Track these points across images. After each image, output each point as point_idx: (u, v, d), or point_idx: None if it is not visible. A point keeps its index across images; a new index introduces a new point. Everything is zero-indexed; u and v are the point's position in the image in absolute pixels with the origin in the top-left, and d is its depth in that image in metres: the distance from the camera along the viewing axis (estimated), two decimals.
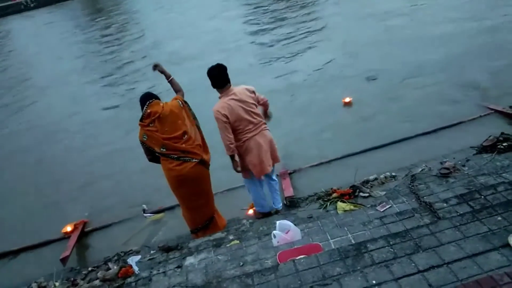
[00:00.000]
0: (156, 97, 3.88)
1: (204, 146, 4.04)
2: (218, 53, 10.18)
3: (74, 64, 12.91)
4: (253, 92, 3.90)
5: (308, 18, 12.02)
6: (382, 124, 5.79)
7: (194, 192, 3.95)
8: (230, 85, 3.80)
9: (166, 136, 3.75)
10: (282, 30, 11.36)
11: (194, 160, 3.82)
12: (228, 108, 3.70)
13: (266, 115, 4.18)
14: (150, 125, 3.75)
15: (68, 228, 5.01)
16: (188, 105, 3.99)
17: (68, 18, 22.76)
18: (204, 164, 3.95)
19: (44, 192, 6.22)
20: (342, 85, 7.26)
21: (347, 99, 6.58)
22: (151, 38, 13.88)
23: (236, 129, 3.78)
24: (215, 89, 3.86)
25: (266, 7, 14.45)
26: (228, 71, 3.80)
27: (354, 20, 10.87)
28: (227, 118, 3.68)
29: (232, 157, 3.92)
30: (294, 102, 7.14)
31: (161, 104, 3.81)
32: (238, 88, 3.84)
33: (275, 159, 4.10)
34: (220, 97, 3.82)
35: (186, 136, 3.82)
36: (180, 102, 3.91)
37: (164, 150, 3.77)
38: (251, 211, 4.44)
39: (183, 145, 3.79)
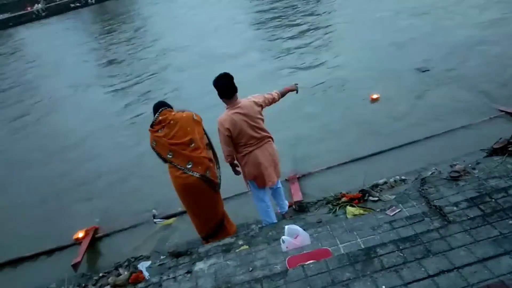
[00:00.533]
0: (169, 106, 3.93)
1: (212, 163, 4.02)
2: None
3: (90, 74, 13.03)
4: (260, 105, 3.80)
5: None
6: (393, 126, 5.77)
7: (199, 203, 3.98)
8: (237, 97, 3.72)
9: (173, 141, 3.78)
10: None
11: (195, 174, 3.81)
12: (232, 122, 3.64)
13: (294, 90, 4.15)
14: (159, 131, 3.80)
15: (80, 234, 5.06)
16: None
17: (80, 26, 23.10)
18: (208, 181, 3.90)
19: (56, 200, 6.28)
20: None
21: (375, 96, 6.66)
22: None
23: (237, 142, 3.74)
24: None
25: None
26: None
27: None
28: (230, 132, 3.64)
29: (231, 163, 3.93)
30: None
31: (173, 113, 3.85)
32: (245, 101, 3.75)
33: (276, 174, 4.01)
34: (226, 108, 3.75)
35: (193, 144, 3.83)
36: (194, 115, 3.94)
37: (171, 156, 3.80)
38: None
39: (190, 153, 3.81)
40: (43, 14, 28.92)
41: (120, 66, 12.73)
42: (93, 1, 29.30)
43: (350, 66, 8.28)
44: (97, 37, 18.20)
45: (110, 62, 13.48)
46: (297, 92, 4.23)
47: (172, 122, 3.80)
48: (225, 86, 3.66)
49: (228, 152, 3.78)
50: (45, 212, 6.01)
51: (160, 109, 3.84)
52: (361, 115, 6.36)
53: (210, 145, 4.12)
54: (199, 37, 13.49)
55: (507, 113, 5.29)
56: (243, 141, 3.74)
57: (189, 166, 3.81)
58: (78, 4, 29.38)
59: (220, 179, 4.10)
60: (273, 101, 3.95)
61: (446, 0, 10.61)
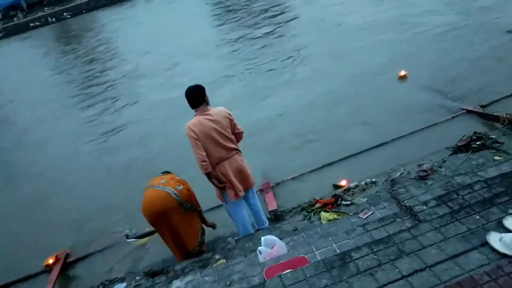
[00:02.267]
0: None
1: None
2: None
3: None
4: (231, 119, 3.77)
5: None
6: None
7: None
8: (207, 106, 3.73)
9: None
10: None
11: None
12: (199, 126, 3.61)
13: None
14: None
15: (50, 261, 4.87)
16: None
17: (40, 45, 22.49)
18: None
19: (24, 226, 6.05)
20: None
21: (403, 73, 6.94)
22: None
23: (205, 150, 3.64)
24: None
25: None
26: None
27: None
28: (197, 135, 3.59)
29: (208, 175, 3.75)
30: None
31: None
32: (216, 109, 3.75)
33: (247, 185, 3.96)
34: (195, 115, 3.75)
35: None
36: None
37: None
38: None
39: None
40: (0, 34, 28.06)
41: (79, 87, 12.44)
42: (54, 19, 28.66)
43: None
44: (58, 56, 17.78)
45: (69, 83, 13.15)
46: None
47: None
48: (191, 96, 3.70)
49: (201, 158, 3.60)
50: (11, 239, 5.76)
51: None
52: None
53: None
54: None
55: (468, 111, 5.49)
56: (211, 149, 3.65)
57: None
58: (38, 23, 28.68)
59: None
60: (237, 131, 3.87)
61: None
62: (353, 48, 8.93)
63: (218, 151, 3.70)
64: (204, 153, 3.63)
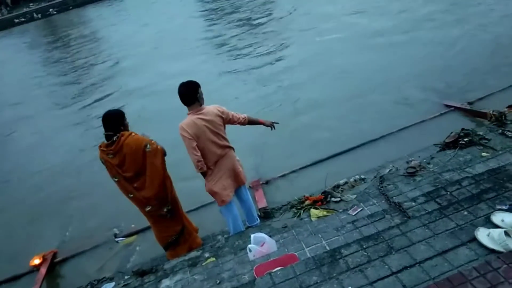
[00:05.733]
0: (122, 119, 3.62)
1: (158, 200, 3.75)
2: None
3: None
4: (222, 117, 3.71)
5: None
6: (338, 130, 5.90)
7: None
8: (201, 105, 3.64)
9: (125, 174, 3.62)
10: None
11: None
12: (193, 126, 3.56)
13: (263, 124, 4.01)
14: (109, 155, 3.56)
15: (36, 261, 4.78)
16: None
17: (25, 41, 22.12)
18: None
19: (9, 223, 5.95)
20: None
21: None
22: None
23: (201, 150, 3.61)
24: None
25: None
26: None
27: None
28: (191, 136, 3.53)
29: (204, 174, 3.75)
30: None
31: (127, 136, 3.59)
32: (209, 108, 3.68)
33: (240, 182, 3.95)
34: (188, 114, 3.67)
35: (139, 179, 3.64)
36: (148, 146, 3.58)
37: (116, 180, 3.68)
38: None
39: (133, 190, 3.67)
40: None
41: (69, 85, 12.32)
42: (39, 15, 28.22)
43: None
44: (43, 52, 17.53)
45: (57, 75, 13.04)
46: (272, 129, 4.09)
47: (123, 149, 3.48)
48: (183, 94, 3.59)
49: (197, 158, 3.56)
50: None
51: (118, 133, 3.49)
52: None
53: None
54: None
55: (455, 108, 5.54)
56: (206, 149, 3.62)
57: (131, 195, 3.68)
58: (23, 19, 28.20)
59: (168, 211, 3.78)
60: (237, 121, 3.84)
61: None
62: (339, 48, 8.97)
63: (214, 150, 3.67)
64: (199, 153, 3.58)
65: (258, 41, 11.27)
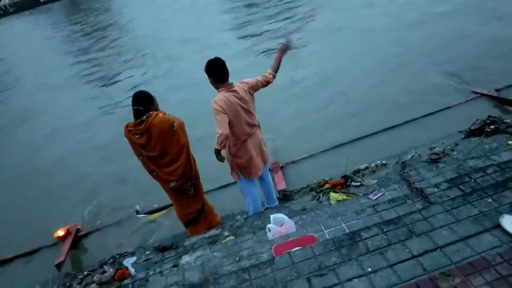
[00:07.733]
0: (151, 100, 3.64)
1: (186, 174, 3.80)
2: None
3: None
4: (250, 87, 3.66)
5: None
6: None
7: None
8: (231, 82, 3.59)
9: (149, 154, 3.65)
10: None
11: None
12: (227, 102, 3.49)
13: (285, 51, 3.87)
14: (136, 135, 3.61)
15: (60, 232, 4.95)
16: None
17: (51, 21, 22.41)
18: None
19: (35, 199, 6.15)
20: None
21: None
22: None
23: (232, 127, 3.55)
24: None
25: None
26: None
27: None
28: (225, 111, 3.45)
29: (218, 151, 3.59)
30: None
31: (154, 117, 3.59)
32: (239, 85, 3.63)
33: (264, 161, 3.97)
34: (219, 91, 3.58)
35: (166, 157, 3.66)
36: (175, 124, 3.58)
37: (140, 159, 3.76)
38: None
39: (159, 168, 3.73)
40: (11, 10, 28.00)
41: (91, 61, 12.50)
42: None
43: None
44: (71, 34, 17.75)
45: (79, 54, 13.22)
46: (289, 49, 3.91)
47: (151, 129, 3.48)
48: (219, 70, 3.52)
49: (224, 135, 3.40)
50: (24, 212, 5.87)
51: (148, 113, 3.48)
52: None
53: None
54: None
55: (482, 94, 5.41)
56: (237, 126, 3.58)
57: (154, 173, 3.73)
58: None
59: (192, 186, 3.83)
60: (267, 83, 3.78)
61: None
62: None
63: (244, 128, 3.65)
64: (227, 132, 3.47)
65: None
